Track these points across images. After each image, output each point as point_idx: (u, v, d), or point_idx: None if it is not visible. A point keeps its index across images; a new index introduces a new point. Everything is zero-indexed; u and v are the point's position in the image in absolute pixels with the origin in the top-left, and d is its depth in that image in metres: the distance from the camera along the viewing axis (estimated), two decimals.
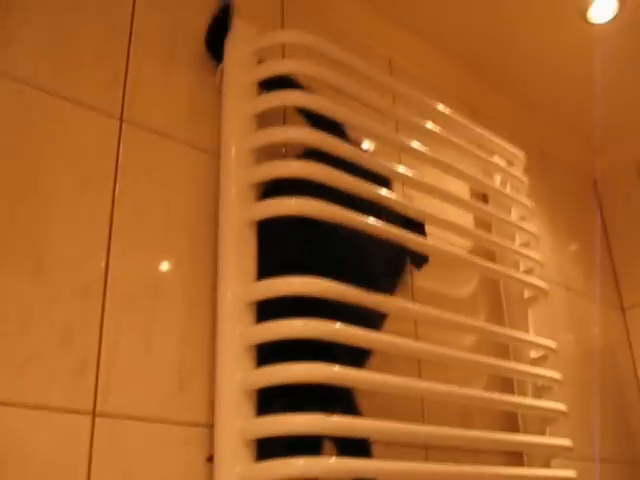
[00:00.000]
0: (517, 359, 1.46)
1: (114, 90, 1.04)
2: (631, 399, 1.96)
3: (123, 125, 1.04)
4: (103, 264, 0.95)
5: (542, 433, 1.40)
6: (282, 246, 1.06)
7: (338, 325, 0.97)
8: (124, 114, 1.04)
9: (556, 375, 1.40)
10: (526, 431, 1.41)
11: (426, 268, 1.33)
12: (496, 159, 1.54)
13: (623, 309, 2.08)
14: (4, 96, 0.92)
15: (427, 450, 1.26)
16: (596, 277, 2.04)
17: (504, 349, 1.48)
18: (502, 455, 1.39)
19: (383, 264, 1.13)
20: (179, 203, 1.06)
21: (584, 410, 1.75)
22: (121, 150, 1.02)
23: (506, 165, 1.55)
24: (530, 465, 1.40)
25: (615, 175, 2.19)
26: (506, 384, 1.46)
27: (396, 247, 1.14)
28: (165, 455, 0.93)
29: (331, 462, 0.93)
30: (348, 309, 1.01)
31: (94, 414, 0.88)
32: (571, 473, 1.34)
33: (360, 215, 1.06)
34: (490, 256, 1.52)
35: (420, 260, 1.28)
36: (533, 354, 1.44)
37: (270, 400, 0.96)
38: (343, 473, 0.95)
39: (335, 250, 1.07)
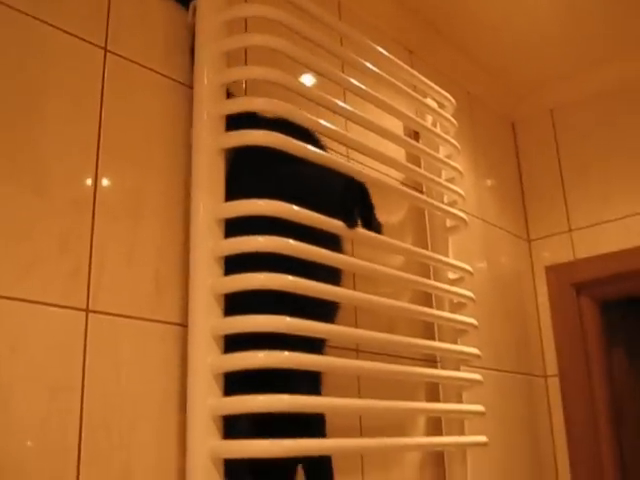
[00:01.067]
0: (437, 279, 1.66)
1: (99, 23, 1.15)
2: (532, 320, 2.23)
3: (107, 55, 1.15)
4: (92, 181, 1.08)
5: (455, 342, 1.62)
6: (250, 174, 1.21)
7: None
8: (108, 46, 1.16)
9: (470, 294, 1.62)
10: (441, 340, 1.62)
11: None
12: (429, 101, 1.71)
13: (529, 241, 2.33)
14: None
15: (358, 352, 1.46)
16: (508, 211, 2.27)
17: (426, 270, 1.68)
18: (420, 360, 1.61)
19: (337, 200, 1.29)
20: (157, 128, 1.19)
21: (491, 326, 1.99)
22: (106, 77, 1.14)
23: (437, 107, 1.73)
24: (446, 399, 1.61)
25: (531, 120, 2.41)
26: (427, 299, 1.67)
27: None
28: (146, 348, 1.09)
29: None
30: (303, 230, 1.18)
31: (87, 311, 1.03)
32: (477, 377, 1.57)
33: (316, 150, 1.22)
34: (418, 188, 1.71)
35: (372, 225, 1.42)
36: (451, 275, 1.65)
37: (238, 306, 1.13)
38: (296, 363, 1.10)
39: (292, 178, 1.24)
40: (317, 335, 1.17)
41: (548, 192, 2.32)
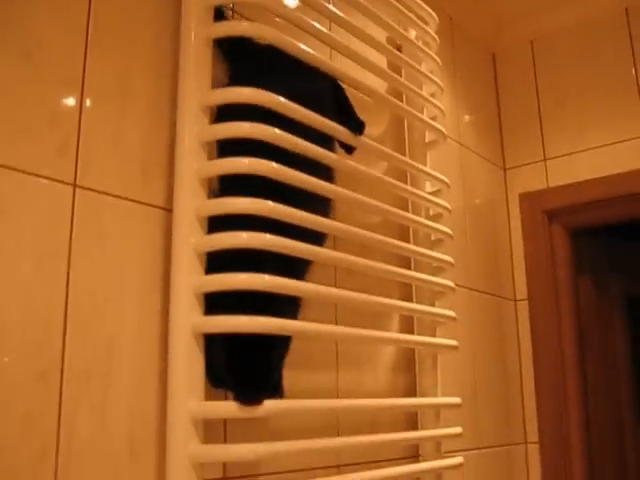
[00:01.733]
0: (416, 212, 1.67)
1: None
2: (504, 245, 2.29)
3: None
4: (81, 63, 1.09)
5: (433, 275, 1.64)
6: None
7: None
8: None
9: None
10: (418, 270, 1.64)
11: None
12: (413, 16, 1.72)
13: (505, 169, 2.38)
14: None
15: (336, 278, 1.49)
16: (484, 139, 2.31)
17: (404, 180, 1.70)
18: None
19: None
20: (146, 15, 1.20)
21: (464, 249, 2.04)
22: None
23: (421, 23, 1.74)
24: (420, 329, 1.64)
25: (511, 52, 2.44)
26: (404, 234, 1.70)
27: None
28: (131, 227, 1.11)
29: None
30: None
31: (75, 185, 1.04)
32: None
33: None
34: (399, 99, 1.72)
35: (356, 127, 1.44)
36: (429, 187, 1.68)
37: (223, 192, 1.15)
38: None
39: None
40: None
41: (525, 122, 2.36)
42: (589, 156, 2.19)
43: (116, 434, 1.03)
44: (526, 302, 2.25)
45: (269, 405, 1.08)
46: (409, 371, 1.67)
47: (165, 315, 1.11)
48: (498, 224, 2.28)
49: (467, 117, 2.22)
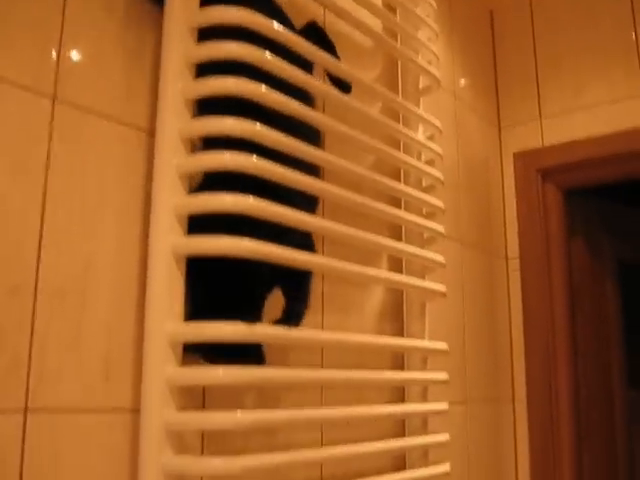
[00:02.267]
0: (407, 143, 1.64)
1: None
2: (497, 204, 2.26)
3: None
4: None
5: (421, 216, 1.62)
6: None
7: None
8: None
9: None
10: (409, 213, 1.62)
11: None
12: None
13: (500, 127, 2.35)
14: None
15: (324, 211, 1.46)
16: (480, 97, 2.27)
17: (396, 144, 1.66)
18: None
19: None
20: None
21: (456, 205, 2.02)
22: None
23: None
24: (409, 274, 1.60)
25: (510, 9, 2.39)
26: (395, 177, 1.66)
27: None
28: (113, 147, 1.08)
29: None
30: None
31: (54, 99, 1.01)
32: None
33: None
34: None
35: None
36: (421, 132, 1.65)
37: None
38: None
39: None
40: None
41: (522, 81, 2.33)
42: (585, 115, 2.16)
43: (91, 354, 1.01)
44: (517, 261, 2.22)
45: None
46: (396, 319, 1.64)
47: (146, 237, 1.08)
48: (491, 182, 2.25)
49: (463, 74, 2.18)
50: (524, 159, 2.25)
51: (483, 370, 2.05)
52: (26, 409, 0.92)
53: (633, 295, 2.53)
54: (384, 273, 1.39)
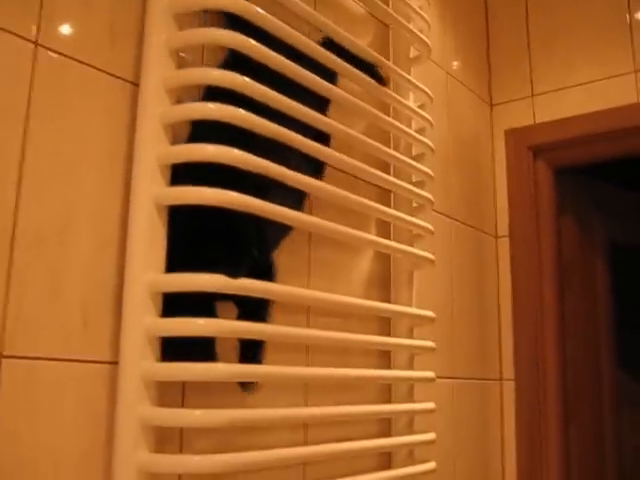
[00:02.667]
0: (398, 110, 1.63)
1: None
2: (487, 181, 2.25)
3: None
4: None
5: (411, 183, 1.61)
6: None
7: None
8: None
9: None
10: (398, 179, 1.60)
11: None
12: None
13: (491, 105, 2.33)
14: None
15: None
16: (472, 73, 2.26)
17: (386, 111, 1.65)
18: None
19: None
20: None
21: (447, 179, 2.00)
22: None
23: None
24: (397, 241, 1.58)
25: None
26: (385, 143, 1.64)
27: None
28: (95, 95, 1.06)
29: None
30: None
31: (36, 44, 0.99)
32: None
33: None
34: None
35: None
36: (412, 100, 1.64)
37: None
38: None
39: None
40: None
41: (514, 58, 2.31)
42: (577, 92, 2.15)
43: (69, 303, 0.99)
44: (507, 239, 2.21)
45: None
46: (384, 287, 1.63)
47: (128, 187, 1.07)
48: (482, 159, 2.24)
49: (456, 50, 2.16)
50: (515, 136, 2.23)
51: (471, 348, 2.03)
52: (0, 355, 0.90)
53: (624, 276, 2.52)
54: (372, 237, 1.37)
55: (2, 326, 0.91)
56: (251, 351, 1.18)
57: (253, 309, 1.17)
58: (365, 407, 1.35)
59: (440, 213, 1.91)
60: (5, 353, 0.91)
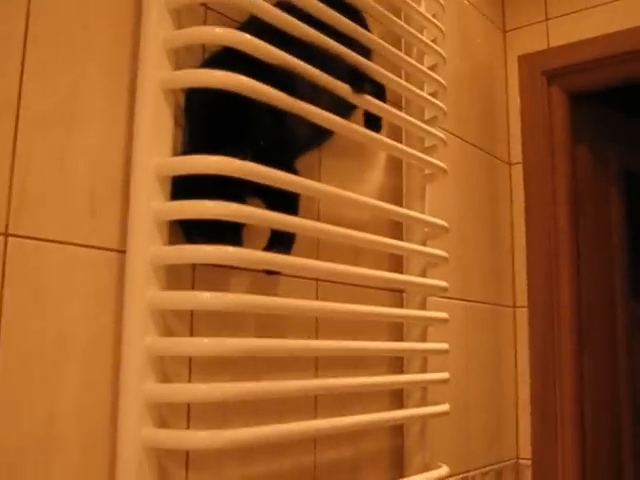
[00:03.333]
0: (407, 53, 1.57)
1: None
2: (500, 109, 2.21)
3: None
4: None
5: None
6: None
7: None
8: None
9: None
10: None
11: None
12: None
13: (505, 31, 2.28)
14: None
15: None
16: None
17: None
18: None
19: None
20: None
21: (460, 108, 1.96)
22: None
23: None
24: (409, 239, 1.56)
25: None
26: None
27: None
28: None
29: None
30: None
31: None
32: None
33: None
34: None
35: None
36: (426, 35, 1.58)
37: None
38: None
39: None
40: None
41: None
42: (593, 15, 2.10)
43: (76, 186, 0.97)
44: (520, 166, 2.18)
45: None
46: (396, 203, 1.60)
47: (135, 71, 1.03)
48: (495, 86, 2.20)
49: None
50: (529, 61, 2.19)
51: (483, 272, 2.01)
52: (7, 234, 0.88)
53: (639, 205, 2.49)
54: (387, 139, 1.34)
55: (7, 201, 0.89)
56: (279, 239, 1.17)
57: (279, 202, 1.14)
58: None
59: (453, 134, 1.88)
60: (10, 231, 0.89)
